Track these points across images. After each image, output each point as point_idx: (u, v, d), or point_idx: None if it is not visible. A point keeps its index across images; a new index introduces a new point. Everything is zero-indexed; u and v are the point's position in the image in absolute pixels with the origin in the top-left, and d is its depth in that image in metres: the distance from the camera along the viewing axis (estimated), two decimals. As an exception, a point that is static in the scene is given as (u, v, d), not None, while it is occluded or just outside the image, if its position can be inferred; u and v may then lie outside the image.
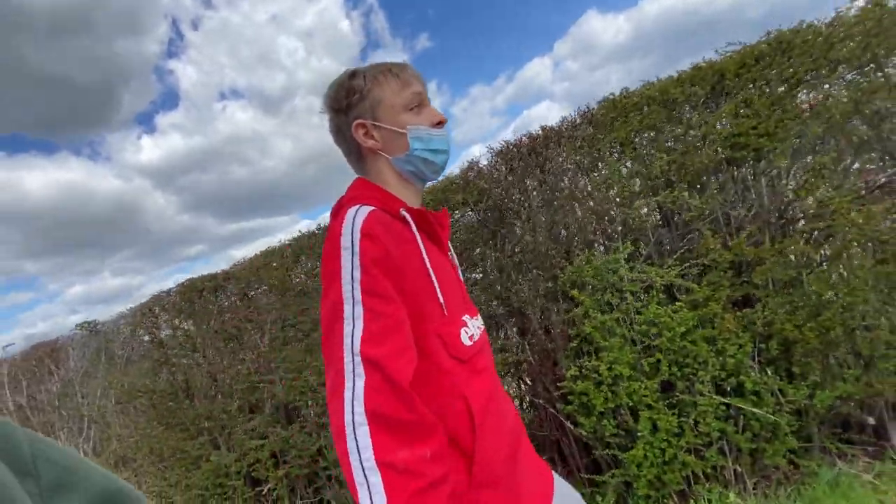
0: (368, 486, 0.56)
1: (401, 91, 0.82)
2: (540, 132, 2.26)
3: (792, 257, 1.73)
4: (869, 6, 1.73)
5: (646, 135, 1.96)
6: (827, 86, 1.77)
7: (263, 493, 2.66)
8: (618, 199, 1.96)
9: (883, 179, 1.83)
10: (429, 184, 0.92)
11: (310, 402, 2.45)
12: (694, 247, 1.85)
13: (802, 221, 1.75)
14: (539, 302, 2.02)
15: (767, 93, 1.78)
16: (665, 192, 1.85)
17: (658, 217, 1.95)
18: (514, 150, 2.29)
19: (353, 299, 0.63)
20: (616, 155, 2.05)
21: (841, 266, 1.68)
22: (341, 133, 0.85)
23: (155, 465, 2.98)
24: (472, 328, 0.79)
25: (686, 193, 1.81)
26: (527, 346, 2.14)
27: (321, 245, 2.66)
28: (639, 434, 1.93)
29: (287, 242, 2.78)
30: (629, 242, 1.94)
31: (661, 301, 1.89)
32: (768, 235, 1.84)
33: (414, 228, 0.76)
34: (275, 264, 2.71)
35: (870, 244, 1.71)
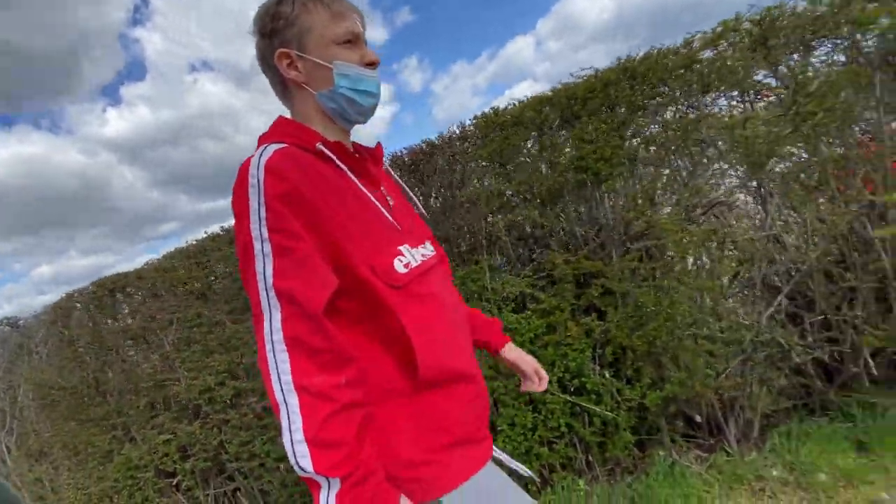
0: (287, 407, 0.62)
1: (332, 23, 0.77)
2: (424, 146, 2.36)
3: (626, 272, 1.90)
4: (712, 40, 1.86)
5: (508, 153, 2.08)
6: (663, 115, 1.91)
7: (174, 483, 2.78)
8: (483, 214, 2.09)
9: (717, 199, 2.01)
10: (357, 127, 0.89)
11: (209, 401, 2.56)
12: (544, 260, 2.00)
13: (639, 240, 1.92)
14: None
15: (609, 119, 1.92)
16: (518, 210, 1.98)
17: (515, 232, 2.09)
18: (400, 162, 2.39)
19: (262, 237, 0.65)
20: (483, 171, 2.17)
21: (666, 280, 1.86)
22: (265, 60, 0.81)
23: (70, 459, 3.06)
24: (411, 256, 0.78)
25: (536, 212, 1.95)
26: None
27: (224, 247, 2.74)
28: (499, 429, 2.11)
29: (192, 243, 2.84)
30: (492, 254, 2.08)
31: (516, 308, 2.05)
32: (614, 251, 2.01)
33: (337, 161, 0.75)
34: (177, 265, 2.77)
35: (694, 260, 1.90)
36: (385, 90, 0.88)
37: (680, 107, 1.88)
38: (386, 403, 0.73)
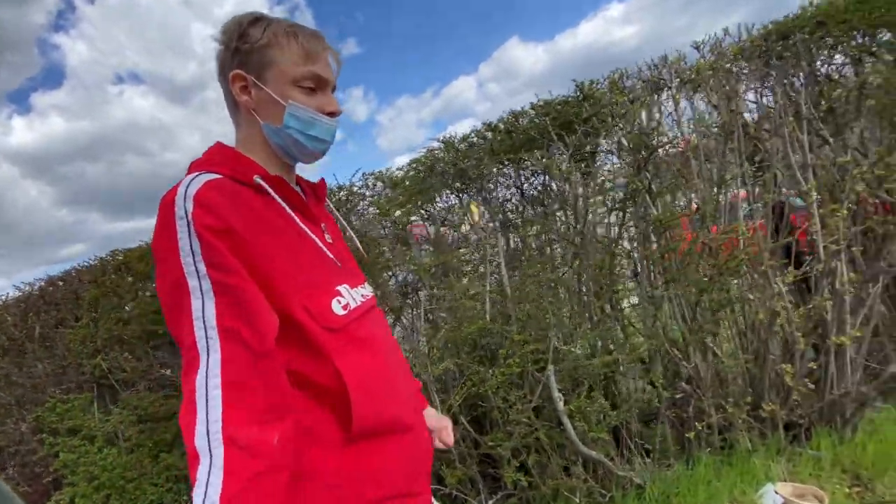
0: (211, 458, 0.54)
1: (300, 62, 0.73)
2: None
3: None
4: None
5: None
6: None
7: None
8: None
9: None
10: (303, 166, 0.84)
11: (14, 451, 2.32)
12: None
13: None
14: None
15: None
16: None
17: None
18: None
19: (198, 273, 0.59)
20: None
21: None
22: (223, 72, 0.76)
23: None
24: (350, 297, 0.75)
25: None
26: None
27: (42, 306, 2.51)
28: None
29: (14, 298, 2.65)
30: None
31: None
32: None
33: (275, 196, 0.70)
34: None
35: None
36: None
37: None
38: (314, 454, 0.66)
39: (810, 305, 1.98)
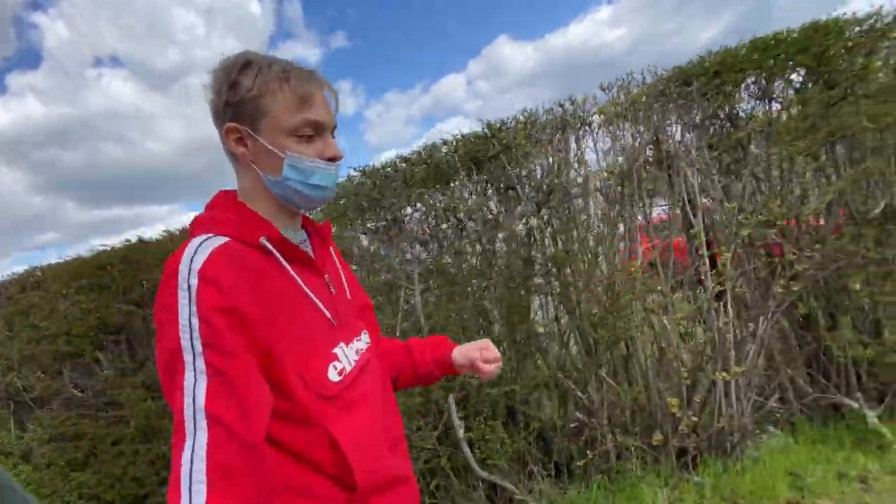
0: None
1: (294, 111, 0.70)
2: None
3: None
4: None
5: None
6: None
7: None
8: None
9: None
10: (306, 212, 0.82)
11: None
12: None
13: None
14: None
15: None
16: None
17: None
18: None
19: (193, 350, 0.59)
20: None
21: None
22: (217, 123, 0.73)
23: None
24: (346, 359, 0.75)
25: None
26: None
27: None
28: None
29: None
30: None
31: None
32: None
33: (280, 260, 0.69)
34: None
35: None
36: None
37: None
38: None
39: (702, 340, 2.09)
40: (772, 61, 2.04)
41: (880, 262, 1.97)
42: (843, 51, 2.02)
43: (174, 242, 2.39)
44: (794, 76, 2.12)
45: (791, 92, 2.09)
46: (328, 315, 0.75)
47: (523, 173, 2.09)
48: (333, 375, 0.71)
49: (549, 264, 2.05)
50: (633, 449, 2.14)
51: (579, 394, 2.09)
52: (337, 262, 0.89)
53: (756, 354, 2.11)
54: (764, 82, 2.14)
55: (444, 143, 2.19)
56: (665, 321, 2.01)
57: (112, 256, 2.33)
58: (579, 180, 2.11)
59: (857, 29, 2.10)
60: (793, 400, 2.36)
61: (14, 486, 0.69)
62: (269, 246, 0.69)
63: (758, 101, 2.16)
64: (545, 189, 2.02)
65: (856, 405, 2.16)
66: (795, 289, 2.05)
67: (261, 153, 0.71)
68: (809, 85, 2.10)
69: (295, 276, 0.72)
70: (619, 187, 2.10)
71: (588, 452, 2.08)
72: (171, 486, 0.57)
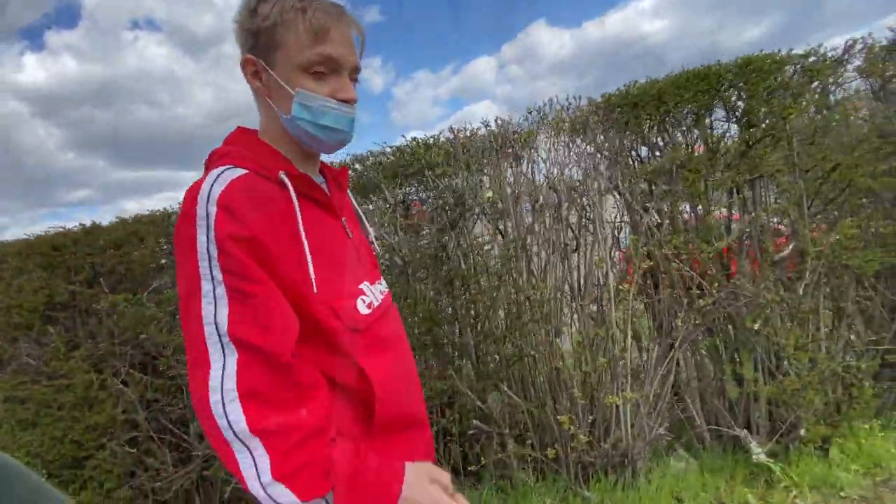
0: (250, 453, 0.57)
1: (309, 45, 0.66)
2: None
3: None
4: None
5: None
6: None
7: None
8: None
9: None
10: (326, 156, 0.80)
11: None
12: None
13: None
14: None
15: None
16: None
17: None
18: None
19: (213, 278, 0.59)
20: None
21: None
22: (241, 50, 0.72)
23: None
24: (372, 295, 0.75)
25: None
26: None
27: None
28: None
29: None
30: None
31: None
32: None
33: (293, 196, 0.66)
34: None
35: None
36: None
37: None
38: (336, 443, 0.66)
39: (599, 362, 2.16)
40: (700, 95, 2.04)
41: (779, 303, 2.00)
42: (766, 91, 2.01)
43: (125, 228, 2.57)
44: (718, 112, 2.12)
45: (710, 130, 2.10)
46: (353, 253, 0.75)
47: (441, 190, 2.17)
48: (363, 308, 0.72)
49: (457, 282, 2.14)
50: (529, 459, 2.25)
51: (479, 404, 2.20)
52: (356, 209, 0.88)
53: (651, 382, 2.17)
54: (690, 117, 2.15)
55: (371, 153, 2.28)
56: (563, 343, 2.09)
57: (67, 238, 2.52)
58: (500, 204, 2.17)
59: (789, 68, 2.08)
60: (700, 426, 2.42)
61: (23, 473, 0.54)
62: (287, 181, 0.67)
63: (681, 134, 2.17)
64: (452, 210, 2.09)
65: (746, 439, 2.21)
66: (697, 322, 2.09)
67: (274, 88, 0.69)
68: (731, 122, 2.10)
69: (310, 213, 0.69)
70: (533, 211, 2.17)
71: (481, 459, 2.20)
72: (199, 406, 0.57)
